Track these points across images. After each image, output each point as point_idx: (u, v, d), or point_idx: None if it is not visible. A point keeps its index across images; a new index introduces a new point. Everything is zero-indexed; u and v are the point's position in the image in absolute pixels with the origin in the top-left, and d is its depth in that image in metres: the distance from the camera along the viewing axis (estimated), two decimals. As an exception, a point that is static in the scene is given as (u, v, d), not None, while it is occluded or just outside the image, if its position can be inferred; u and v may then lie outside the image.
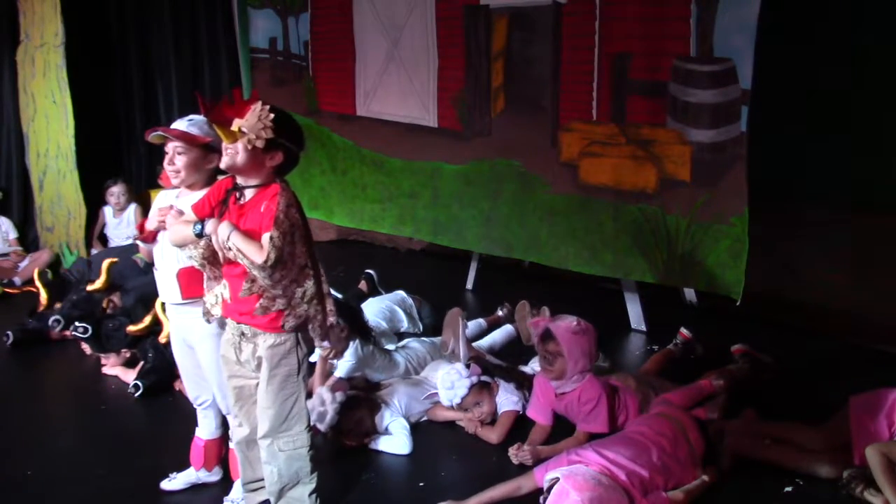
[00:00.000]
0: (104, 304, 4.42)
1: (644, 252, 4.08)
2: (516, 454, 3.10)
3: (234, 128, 2.35)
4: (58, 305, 4.66)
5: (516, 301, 4.46)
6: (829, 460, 2.92)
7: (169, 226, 2.61)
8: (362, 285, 4.96)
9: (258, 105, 2.36)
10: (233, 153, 2.37)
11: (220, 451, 3.05)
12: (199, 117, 2.68)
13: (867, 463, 2.79)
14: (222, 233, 2.37)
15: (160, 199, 2.84)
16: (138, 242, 2.90)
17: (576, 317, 3.26)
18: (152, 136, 2.72)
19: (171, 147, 2.69)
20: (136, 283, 4.48)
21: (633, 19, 3.90)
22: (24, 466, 3.27)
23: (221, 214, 2.46)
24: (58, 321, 4.29)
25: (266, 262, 2.31)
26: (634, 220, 4.08)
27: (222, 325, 2.65)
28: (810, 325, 4.17)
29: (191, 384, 2.95)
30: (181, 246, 2.55)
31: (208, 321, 2.63)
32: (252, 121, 2.35)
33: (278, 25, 5.66)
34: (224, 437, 3.02)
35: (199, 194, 2.63)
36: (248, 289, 2.42)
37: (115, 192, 5.87)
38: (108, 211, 6.01)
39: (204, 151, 2.70)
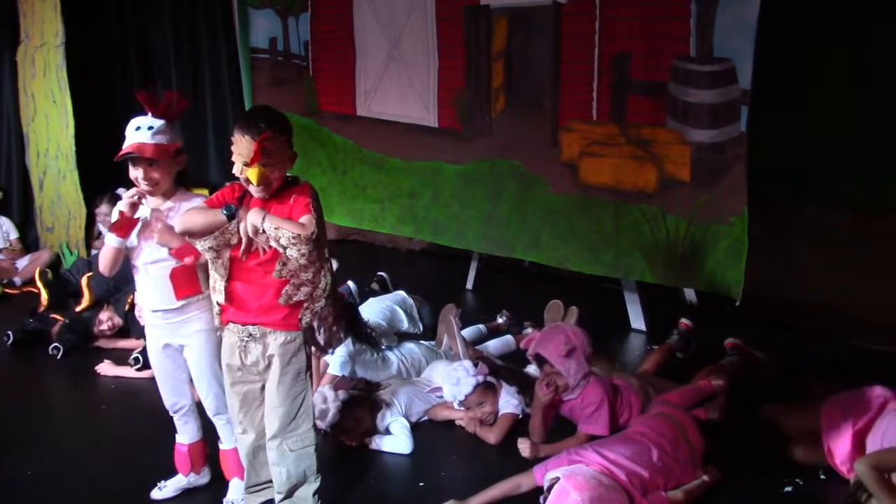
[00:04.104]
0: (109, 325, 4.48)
1: (644, 252, 4.08)
2: (528, 451, 3.13)
3: (257, 168, 2.34)
4: (55, 316, 4.67)
5: (516, 309, 4.45)
6: (801, 446, 2.99)
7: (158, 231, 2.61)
8: (374, 287, 4.96)
9: (245, 137, 2.35)
10: (266, 185, 2.38)
11: (205, 452, 3.04)
12: (156, 123, 2.63)
13: (827, 457, 2.89)
14: (255, 217, 2.33)
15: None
16: (107, 238, 2.69)
17: (562, 330, 3.26)
18: (132, 157, 2.63)
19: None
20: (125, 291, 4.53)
21: (633, 19, 3.91)
22: (24, 466, 3.28)
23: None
24: (57, 349, 4.35)
25: (312, 233, 2.30)
26: (634, 220, 4.08)
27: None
28: (810, 325, 4.16)
29: (168, 391, 2.92)
30: (198, 235, 2.43)
31: (218, 333, 2.62)
32: (272, 149, 2.36)
33: (278, 25, 5.66)
34: (206, 438, 3.01)
35: (167, 204, 2.66)
36: (279, 271, 2.39)
37: (102, 212, 5.48)
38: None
39: (175, 155, 2.68)
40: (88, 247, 6.01)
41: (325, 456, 3.02)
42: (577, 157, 4.25)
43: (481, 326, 4.35)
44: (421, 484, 3.07)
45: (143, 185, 2.64)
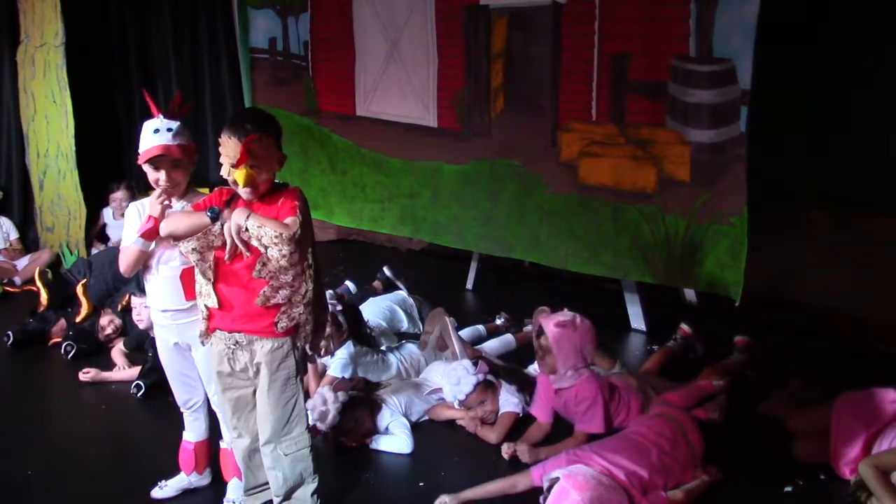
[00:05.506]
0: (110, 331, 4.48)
1: (643, 252, 4.08)
2: (508, 452, 3.12)
3: (244, 169, 2.34)
4: (59, 319, 4.70)
5: (515, 309, 4.44)
6: (805, 445, 3.00)
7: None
8: (376, 284, 4.96)
9: (232, 139, 2.35)
10: (252, 187, 2.38)
11: (209, 453, 3.04)
12: (173, 125, 2.65)
13: (832, 457, 2.89)
14: (239, 216, 2.34)
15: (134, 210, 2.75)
16: (134, 241, 2.68)
17: (574, 314, 3.26)
18: (153, 159, 2.63)
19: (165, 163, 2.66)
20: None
21: (633, 19, 3.91)
22: (24, 466, 3.28)
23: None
24: (71, 346, 4.36)
25: (294, 234, 2.30)
26: (634, 220, 4.08)
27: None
28: (810, 325, 4.17)
29: (180, 388, 2.92)
30: (182, 237, 2.44)
31: (203, 343, 2.61)
32: (258, 151, 2.36)
33: (278, 25, 5.66)
34: (211, 439, 3.02)
35: (180, 203, 2.67)
36: (259, 271, 2.38)
37: (118, 197, 5.84)
38: (107, 212, 6.02)
39: (194, 155, 2.71)
40: (88, 247, 6.02)
41: (324, 456, 3.03)
42: (577, 157, 4.25)
43: (480, 327, 4.34)
44: (421, 484, 3.06)
45: (165, 186, 2.66)
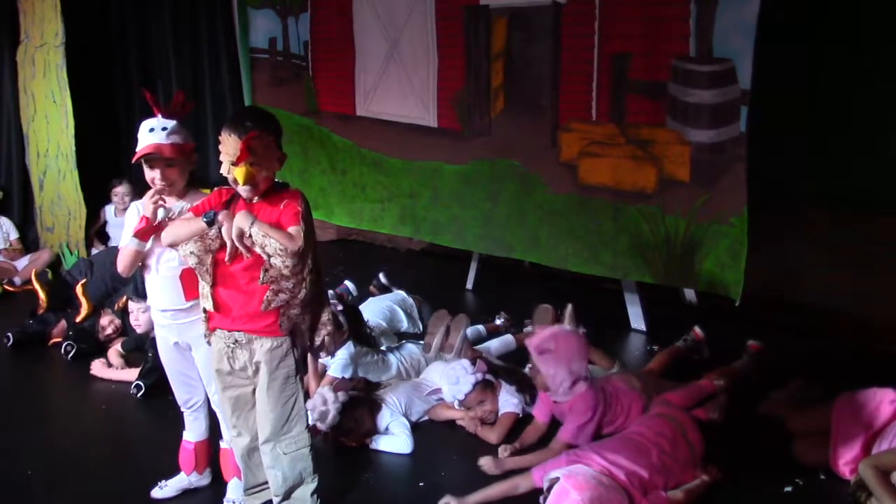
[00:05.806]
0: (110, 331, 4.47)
1: (643, 252, 4.08)
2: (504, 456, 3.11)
3: (244, 167, 2.33)
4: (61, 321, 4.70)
5: (515, 309, 4.44)
6: (805, 446, 3.00)
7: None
8: (372, 290, 4.94)
9: (232, 136, 2.35)
10: (252, 185, 2.38)
11: (209, 453, 3.04)
12: (169, 124, 2.65)
13: (831, 457, 2.89)
14: (243, 221, 2.33)
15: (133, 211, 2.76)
16: (130, 243, 2.68)
17: (556, 330, 3.23)
18: (147, 158, 2.63)
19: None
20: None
21: (633, 19, 3.91)
22: (24, 466, 3.28)
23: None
24: (71, 346, 4.37)
25: (299, 248, 2.31)
26: (634, 220, 4.08)
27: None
28: (810, 325, 4.16)
29: (180, 388, 2.93)
30: (179, 243, 2.46)
31: (210, 343, 2.61)
32: (258, 148, 2.35)
33: (278, 25, 5.66)
34: (211, 439, 3.02)
35: (179, 204, 2.66)
36: (262, 278, 2.39)
37: (120, 192, 5.87)
38: (109, 210, 6.02)
39: (190, 154, 2.71)
40: (88, 246, 6.02)
41: (324, 456, 3.03)
42: (577, 157, 4.25)
43: (480, 327, 4.34)
44: (421, 484, 3.07)
45: (160, 186, 2.66)
